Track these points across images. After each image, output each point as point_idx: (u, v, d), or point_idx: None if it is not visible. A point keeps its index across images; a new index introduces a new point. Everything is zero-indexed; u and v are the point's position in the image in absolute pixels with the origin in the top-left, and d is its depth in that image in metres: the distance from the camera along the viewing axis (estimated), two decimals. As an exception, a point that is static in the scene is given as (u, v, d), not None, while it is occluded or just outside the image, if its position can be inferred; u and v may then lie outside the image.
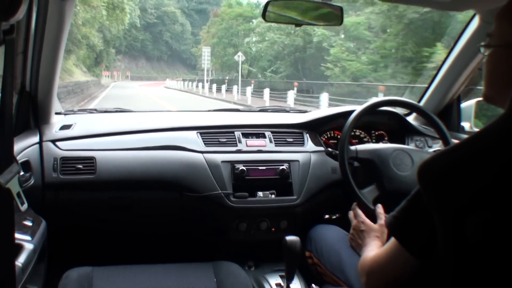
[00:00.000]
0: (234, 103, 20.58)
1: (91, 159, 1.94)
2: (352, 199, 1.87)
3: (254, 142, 2.15)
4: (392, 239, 1.10)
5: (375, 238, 1.56)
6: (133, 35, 74.40)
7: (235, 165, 2.02)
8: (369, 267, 1.21)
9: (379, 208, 1.73)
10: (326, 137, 2.32)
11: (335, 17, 1.92)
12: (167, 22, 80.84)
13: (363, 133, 2.34)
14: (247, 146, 2.12)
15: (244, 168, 2.01)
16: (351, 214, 1.78)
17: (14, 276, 1.02)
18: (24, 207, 1.26)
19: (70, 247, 2.05)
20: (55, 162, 1.89)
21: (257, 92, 23.72)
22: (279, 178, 2.05)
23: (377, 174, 1.94)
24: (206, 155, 2.03)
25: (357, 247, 1.66)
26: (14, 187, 1.12)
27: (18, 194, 1.21)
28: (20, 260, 1.35)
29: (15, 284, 0.99)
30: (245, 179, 2.01)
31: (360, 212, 1.73)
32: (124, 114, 2.46)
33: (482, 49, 1.07)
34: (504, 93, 0.98)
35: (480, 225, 0.86)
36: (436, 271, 0.98)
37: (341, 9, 1.90)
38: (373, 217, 1.70)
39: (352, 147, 1.98)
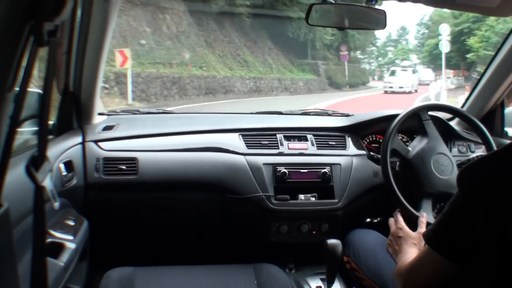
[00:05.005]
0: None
1: (134, 159, 1.95)
2: (395, 205, 1.85)
3: (296, 145, 2.13)
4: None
5: (412, 245, 1.55)
6: None
7: (277, 167, 2.01)
8: (407, 272, 1.22)
9: (423, 217, 1.72)
10: (368, 140, 2.30)
11: (379, 21, 1.90)
12: None
13: (405, 137, 2.31)
14: (289, 149, 2.11)
15: (285, 170, 2.00)
16: (391, 220, 1.76)
17: (46, 273, 1.01)
18: (56, 205, 1.26)
19: (112, 247, 2.07)
20: (98, 163, 1.91)
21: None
22: (320, 181, 2.04)
23: (418, 177, 1.93)
24: (248, 157, 2.03)
25: (393, 253, 1.64)
26: (47, 185, 1.12)
27: (51, 192, 1.22)
28: (62, 259, 1.36)
29: (46, 281, 0.99)
30: (287, 181, 2.00)
31: (400, 218, 1.72)
32: (167, 115, 2.46)
33: None
34: None
35: None
36: (475, 274, 0.96)
37: (384, 13, 1.88)
38: (415, 224, 1.69)
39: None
